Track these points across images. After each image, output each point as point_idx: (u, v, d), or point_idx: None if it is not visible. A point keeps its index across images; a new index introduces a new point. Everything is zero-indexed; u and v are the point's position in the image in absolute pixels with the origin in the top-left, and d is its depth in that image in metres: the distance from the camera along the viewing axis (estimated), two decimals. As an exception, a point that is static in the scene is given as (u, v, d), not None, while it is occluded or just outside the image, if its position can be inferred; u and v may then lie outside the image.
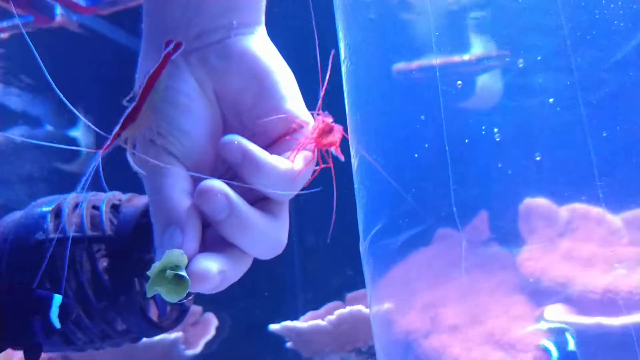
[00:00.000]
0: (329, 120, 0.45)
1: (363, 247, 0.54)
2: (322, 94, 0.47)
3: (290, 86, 0.47)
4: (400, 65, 0.60)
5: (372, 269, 0.55)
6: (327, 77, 0.46)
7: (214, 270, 0.40)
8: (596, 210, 0.59)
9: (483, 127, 0.51)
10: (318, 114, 0.46)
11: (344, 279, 1.56)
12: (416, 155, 0.50)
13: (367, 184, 0.52)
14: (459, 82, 0.49)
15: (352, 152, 0.51)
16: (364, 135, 0.53)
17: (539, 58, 0.51)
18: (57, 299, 0.44)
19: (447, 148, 0.49)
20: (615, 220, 0.60)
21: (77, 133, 1.39)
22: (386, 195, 0.53)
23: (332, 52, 0.48)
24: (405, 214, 0.50)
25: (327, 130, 0.45)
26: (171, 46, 0.44)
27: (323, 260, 1.63)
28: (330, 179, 0.49)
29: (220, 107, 0.47)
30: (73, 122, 1.40)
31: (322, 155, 0.47)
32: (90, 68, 1.40)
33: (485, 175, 0.58)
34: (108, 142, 0.44)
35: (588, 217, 0.60)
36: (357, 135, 0.53)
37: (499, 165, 0.57)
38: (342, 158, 0.48)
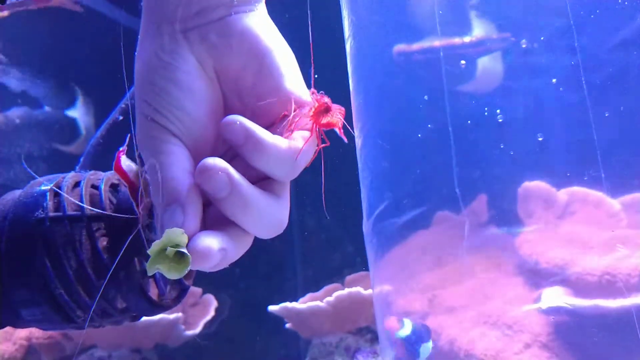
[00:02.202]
0: (325, 100, 0.45)
1: (367, 226, 0.54)
2: (312, 71, 0.46)
3: (291, 65, 0.46)
4: (401, 47, 0.59)
5: (376, 249, 0.55)
6: (312, 57, 0.46)
7: (215, 248, 0.40)
8: (595, 194, 0.59)
9: (486, 109, 0.51)
10: (313, 94, 0.45)
11: (343, 261, 1.57)
12: (419, 135, 0.50)
13: (370, 164, 0.52)
14: (463, 62, 0.49)
15: (356, 132, 0.51)
16: (367, 115, 0.53)
17: (542, 38, 0.50)
18: None
19: (450, 128, 0.49)
20: (614, 203, 0.60)
21: (75, 113, 1.38)
22: (390, 175, 0.53)
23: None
24: (409, 195, 0.50)
25: (323, 110, 0.45)
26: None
27: (323, 242, 1.63)
28: (333, 160, 0.49)
29: (221, 86, 0.47)
30: (72, 102, 1.39)
31: (323, 135, 0.47)
32: (89, 47, 1.39)
33: (484, 158, 0.58)
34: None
35: (587, 200, 0.60)
36: (360, 114, 0.53)
37: (499, 148, 0.57)
38: (345, 140, 0.48)
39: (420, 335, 0.84)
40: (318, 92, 0.46)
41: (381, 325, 0.68)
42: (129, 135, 0.46)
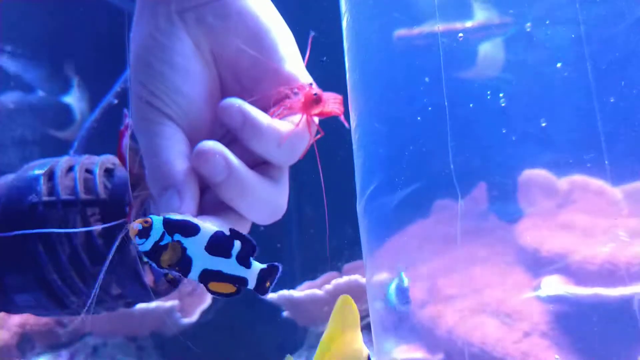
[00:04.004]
0: (314, 91, 0.44)
1: (360, 207, 0.53)
2: (307, 57, 0.46)
3: (290, 46, 0.46)
4: (401, 32, 0.58)
5: (368, 229, 0.54)
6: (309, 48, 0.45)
7: (211, 233, 0.39)
8: (596, 182, 0.58)
9: (489, 92, 0.50)
10: (301, 88, 0.45)
11: (341, 249, 1.56)
12: (419, 118, 0.49)
13: (364, 142, 0.51)
14: (460, 35, 0.48)
15: (351, 113, 0.50)
16: (363, 93, 0.52)
17: (547, 22, 0.49)
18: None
19: (447, 112, 0.48)
20: (616, 192, 0.59)
21: (70, 99, 1.37)
22: (383, 154, 0.52)
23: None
24: (401, 173, 0.49)
25: (312, 101, 0.44)
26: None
27: (321, 230, 1.63)
28: (331, 146, 0.48)
29: (218, 68, 0.46)
30: (66, 88, 1.38)
31: (317, 125, 0.46)
32: (84, 30, 1.37)
33: (484, 145, 0.57)
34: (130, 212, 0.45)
35: (588, 189, 0.59)
36: (356, 92, 0.52)
37: (500, 134, 0.56)
38: (347, 125, 0.47)
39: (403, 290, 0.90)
40: (304, 84, 0.45)
41: (374, 314, 0.68)
42: (126, 111, 0.45)
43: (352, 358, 0.43)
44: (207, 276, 0.38)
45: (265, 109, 0.44)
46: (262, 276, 0.39)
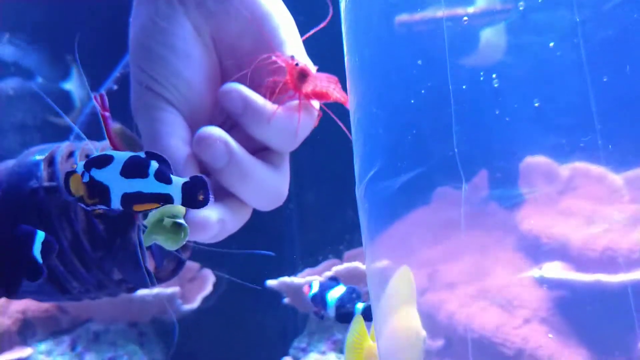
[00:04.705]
0: (299, 64, 0.43)
1: (359, 191, 0.53)
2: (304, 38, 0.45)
3: (291, 31, 0.45)
4: (403, 17, 0.58)
5: (368, 214, 0.54)
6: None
7: (213, 219, 0.39)
8: (597, 169, 0.58)
9: (494, 76, 0.50)
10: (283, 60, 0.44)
11: (342, 236, 1.57)
12: (420, 102, 0.49)
13: (363, 126, 0.50)
14: (465, 18, 0.47)
15: (350, 95, 0.49)
16: (362, 76, 0.51)
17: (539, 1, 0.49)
18: (40, 235, 0.42)
19: (452, 97, 0.48)
20: (617, 178, 0.59)
21: (70, 86, 1.36)
22: (383, 137, 0.52)
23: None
24: (403, 157, 0.49)
25: (300, 76, 0.43)
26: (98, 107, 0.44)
27: (321, 217, 1.63)
28: (332, 132, 0.48)
29: (218, 53, 0.45)
30: (66, 74, 1.38)
31: (321, 107, 0.46)
32: (83, 15, 1.36)
33: (485, 131, 0.57)
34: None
35: (589, 176, 0.59)
36: (355, 76, 0.51)
37: (501, 120, 0.55)
38: (348, 107, 0.47)
39: (326, 286, 0.94)
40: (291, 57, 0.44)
41: (375, 301, 0.68)
42: (96, 95, 0.45)
43: (408, 337, 0.42)
44: (129, 200, 0.38)
45: (265, 94, 0.44)
46: (189, 190, 0.38)
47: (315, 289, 0.99)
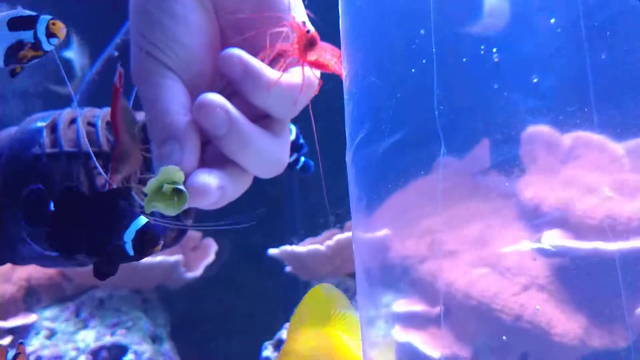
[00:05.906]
0: (309, 30, 0.43)
1: (348, 157, 0.53)
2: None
3: (295, -5, 0.45)
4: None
5: (355, 178, 0.54)
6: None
7: (213, 185, 0.40)
8: (598, 138, 0.58)
9: (495, 50, 0.49)
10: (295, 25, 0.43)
11: (343, 206, 1.57)
12: (413, 70, 0.48)
13: (354, 91, 0.50)
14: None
15: (344, 63, 0.49)
16: (353, 41, 0.51)
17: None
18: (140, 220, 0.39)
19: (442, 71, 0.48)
20: (618, 147, 0.59)
21: (71, 54, 1.35)
22: (370, 102, 0.51)
23: None
24: (389, 120, 0.48)
25: (308, 44, 0.43)
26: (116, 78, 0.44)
27: (323, 186, 1.63)
28: (331, 96, 0.48)
29: (218, 19, 0.45)
30: (67, 42, 1.36)
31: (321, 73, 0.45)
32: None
33: (487, 101, 0.56)
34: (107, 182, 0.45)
35: (590, 145, 0.59)
36: (347, 41, 0.51)
37: (503, 90, 0.55)
38: (342, 77, 0.46)
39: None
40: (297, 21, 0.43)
41: (374, 269, 0.68)
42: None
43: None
44: None
45: (267, 61, 0.43)
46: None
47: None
